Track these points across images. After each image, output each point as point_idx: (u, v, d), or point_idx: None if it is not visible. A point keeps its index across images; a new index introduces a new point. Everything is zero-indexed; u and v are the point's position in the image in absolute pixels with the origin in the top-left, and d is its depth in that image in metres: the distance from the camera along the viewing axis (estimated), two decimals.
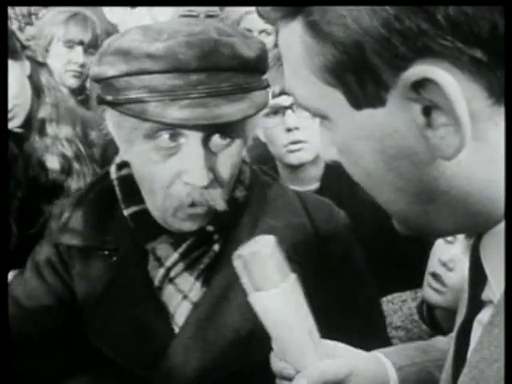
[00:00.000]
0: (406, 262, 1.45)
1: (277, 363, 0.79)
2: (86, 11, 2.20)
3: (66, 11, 2.21)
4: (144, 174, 0.94)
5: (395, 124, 0.48)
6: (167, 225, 0.97)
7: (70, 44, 2.14)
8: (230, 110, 0.86)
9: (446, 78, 0.44)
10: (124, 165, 1.02)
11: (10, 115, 1.51)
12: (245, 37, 0.91)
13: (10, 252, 1.45)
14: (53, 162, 1.59)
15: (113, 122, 0.93)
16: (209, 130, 0.88)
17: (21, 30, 2.84)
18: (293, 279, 0.75)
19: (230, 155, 0.92)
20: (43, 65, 1.65)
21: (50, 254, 1.06)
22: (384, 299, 1.40)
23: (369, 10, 0.44)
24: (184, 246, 0.97)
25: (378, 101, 0.48)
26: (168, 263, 0.98)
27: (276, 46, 2.31)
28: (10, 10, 2.95)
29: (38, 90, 1.59)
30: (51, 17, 2.24)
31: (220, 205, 0.92)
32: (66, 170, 1.60)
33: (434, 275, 1.24)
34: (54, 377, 1.05)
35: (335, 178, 1.50)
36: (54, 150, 1.58)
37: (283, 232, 0.99)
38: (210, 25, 0.91)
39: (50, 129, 1.59)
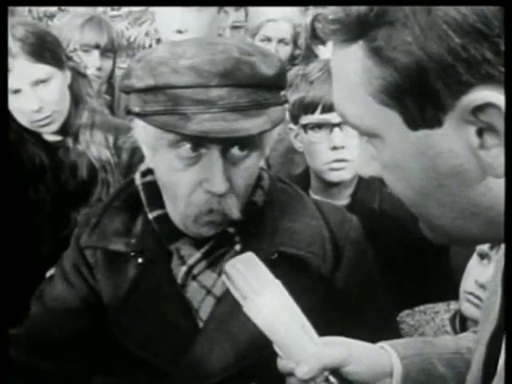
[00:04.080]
0: (433, 274, 1.45)
1: (280, 362, 0.82)
2: (102, 15, 2.22)
3: (82, 15, 2.25)
4: (167, 181, 1.00)
5: (450, 144, 0.51)
6: (186, 229, 1.02)
7: (86, 48, 2.17)
8: (247, 125, 0.91)
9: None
10: (148, 172, 1.08)
11: (48, 120, 1.58)
12: (264, 55, 0.96)
13: (43, 256, 1.51)
14: (82, 171, 1.65)
15: (139, 131, 0.99)
16: (228, 142, 0.94)
17: None
18: (277, 284, 0.82)
19: (247, 166, 0.98)
20: (84, 76, 1.72)
21: (77, 260, 1.11)
22: (416, 309, 1.40)
23: (435, 38, 0.47)
24: (207, 246, 1.03)
25: (435, 122, 0.50)
26: (190, 261, 1.03)
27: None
28: (27, 14, 2.98)
29: (77, 99, 1.66)
30: (67, 22, 2.28)
31: (235, 214, 0.98)
32: (92, 179, 1.66)
33: (472, 294, 1.23)
34: (79, 376, 1.09)
35: (366, 194, 1.51)
36: (84, 158, 1.65)
37: (302, 233, 1.05)
38: (232, 44, 0.96)
39: (83, 137, 1.65)
